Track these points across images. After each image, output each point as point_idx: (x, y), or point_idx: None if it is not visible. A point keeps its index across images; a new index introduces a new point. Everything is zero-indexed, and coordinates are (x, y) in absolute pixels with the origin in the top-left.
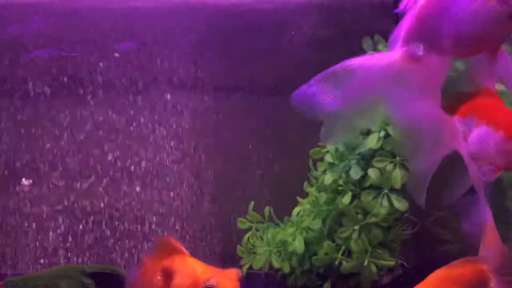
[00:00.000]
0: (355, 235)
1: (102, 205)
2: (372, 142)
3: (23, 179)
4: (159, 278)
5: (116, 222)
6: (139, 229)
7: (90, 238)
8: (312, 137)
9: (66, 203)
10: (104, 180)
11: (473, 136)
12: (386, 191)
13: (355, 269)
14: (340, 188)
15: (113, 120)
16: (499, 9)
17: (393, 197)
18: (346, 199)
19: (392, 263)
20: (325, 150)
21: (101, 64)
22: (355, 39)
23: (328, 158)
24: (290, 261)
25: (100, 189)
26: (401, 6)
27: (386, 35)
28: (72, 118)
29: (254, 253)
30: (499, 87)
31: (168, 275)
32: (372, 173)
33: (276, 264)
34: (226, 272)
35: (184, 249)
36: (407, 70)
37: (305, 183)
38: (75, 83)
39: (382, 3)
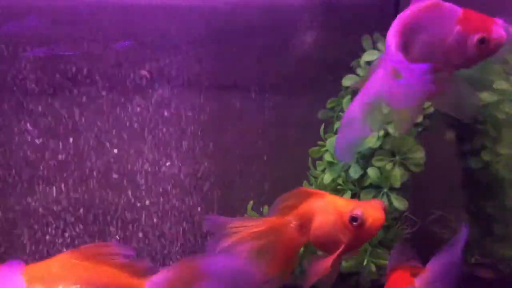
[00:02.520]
0: None
1: (100, 204)
2: (371, 141)
3: None
4: (292, 226)
5: (114, 222)
6: (138, 229)
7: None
8: (311, 136)
9: (73, 203)
10: (104, 179)
11: None
12: (385, 190)
13: (354, 268)
14: (339, 187)
15: (110, 119)
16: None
17: (393, 196)
18: (346, 198)
19: None
20: (324, 149)
21: (99, 62)
22: (355, 38)
23: (327, 157)
24: None
25: (98, 185)
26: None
27: (386, 34)
28: (70, 117)
29: None
30: (500, 84)
31: (303, 221)
32: (372, 172)
33: None
34: (370, 202)
35: (317, 190)
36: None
37: (304, 182)
38: (72, 81)
39: (382, 2)
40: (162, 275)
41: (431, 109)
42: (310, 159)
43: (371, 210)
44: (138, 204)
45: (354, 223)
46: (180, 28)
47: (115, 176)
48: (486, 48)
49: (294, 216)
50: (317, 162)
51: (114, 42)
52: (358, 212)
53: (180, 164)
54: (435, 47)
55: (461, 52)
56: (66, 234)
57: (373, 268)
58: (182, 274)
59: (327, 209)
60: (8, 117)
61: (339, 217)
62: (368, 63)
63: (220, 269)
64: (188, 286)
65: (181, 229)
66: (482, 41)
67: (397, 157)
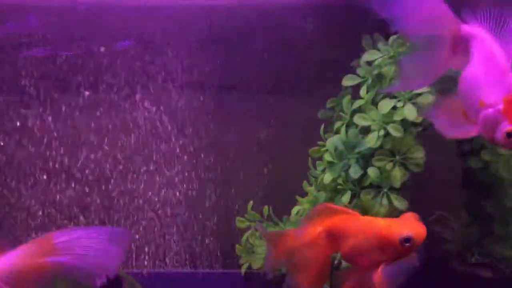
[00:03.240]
0: None
1: (99, 203)
2: (371, 141)
3: None
4: (323, 237)
5: (116, 220)
6: (138, 227)
7: None
8: (311, 136)
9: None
10: (104, 179)
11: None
12: (385, 190)
13: None
14: (339, 187)
15: (110, 120)
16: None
17: (393, 196)
18: (346, 198)
19: None
20: (324, 149)
21: (99, 62)
22: (355, 38)
23: (327, 157)
24: None
25: (99, 187)
26: None
27: (386, 33)
28: (70, 118)
29: (253, 252)
30: None
31: (334, 237)
32: (372, 172)
33: None
34: (408, 218)
35: (349, 210)
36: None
37: (304, 182)
38: (72, 82)
39: None
40: (14, 251)
41: None
42: (310, 159)
43: (416, 227)
44: (136, 205)
45: (407, 244)
46: (180, 28)
47: (113, 176)
48: None
49: (324, 227)
50: (317, 162)
51: (114, 42)
52: (409, 233)
53: (179, 164)
54: (469, 92)
55: (489, 128)
56: None
57: None
58: (34, 248)
59: (365, 231)
60: (7, 117)
61: (382, 238)
62: (368, 63)
63: (70, 243)
64: (38, 260)
65: (180, 230)
66: (510, 135)
67: (397, 157)
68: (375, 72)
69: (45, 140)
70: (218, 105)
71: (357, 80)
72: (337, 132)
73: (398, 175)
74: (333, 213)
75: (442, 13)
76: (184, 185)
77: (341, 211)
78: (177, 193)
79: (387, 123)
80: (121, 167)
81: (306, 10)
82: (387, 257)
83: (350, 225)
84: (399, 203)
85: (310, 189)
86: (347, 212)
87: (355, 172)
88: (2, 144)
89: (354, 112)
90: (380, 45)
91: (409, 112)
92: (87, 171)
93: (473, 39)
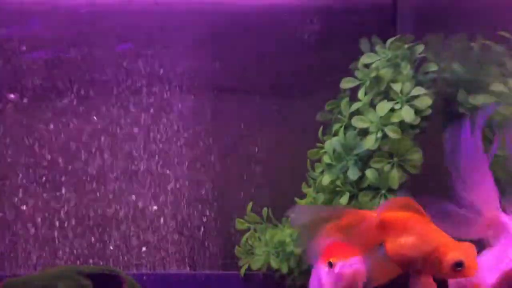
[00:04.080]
0: None
1: (101, 206)
2: (369, 142)
3: None
4: (373, 219)
5: (115, 224)
6: (138, 229)
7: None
8: (310, 137)
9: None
10: (105, 181)
11: None
12: (383, 191)
13: None
14: (337, 189)
15: (111, 121)
16: None
17: (391, 198)
18: (344, 199)
19: None
20: (323, 151)
21: (100, 65)
22: (353, 41)
23: (326, 159)
24: (288, 262)
25: (98, 190)
26: None
27: (384, 36)
28: (70, 121)
29: (252, 253)
30: (497, 87)
31: (389, 228)
32: (370, 173)
33: (274, 265)
34: (464, 246)
35: (423, 210)
36: None
37: (303, 184)
38: (73, 84)
39: (380, 5)
40: None
41: (429, 111)
42: (308, 160)
43: (470, 258)
44: (137, 207)
45: (458, 268)
46: (181, 29)
47: (113, 179)
48: None
49: (380, 213)
50: (316, 164)
51: (116, 44)
52: (460, 259)
53: (179, 166)
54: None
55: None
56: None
57: None
58: None
59: (426, 238)
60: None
61: (433, 253)
62: (366, 65)
63: None
64: None
65: (180, 231)
66: None
67: (395, 159)
68: (373, 74)
69: (47, 143)
70: (217, 107)
71: (355, 83)
72: (336, 134)
73: (396, 177)
74: (407, 208)
75: (489, 192)
76: (184, 187)
77: (415, 209)
78: (177, 194)
79: (385, 125)
80: (120, 167)
81: (306, 13)
82: (430, 271)
83: (411, 225)
84: None
85: (309, 191)
86: (420, 213)
87: (353, 173)
88: (4, 146)
89: (352, 114)
90: (377, 48)
91: (407, 114)
92: (88, 173)
93: (504, 232)
